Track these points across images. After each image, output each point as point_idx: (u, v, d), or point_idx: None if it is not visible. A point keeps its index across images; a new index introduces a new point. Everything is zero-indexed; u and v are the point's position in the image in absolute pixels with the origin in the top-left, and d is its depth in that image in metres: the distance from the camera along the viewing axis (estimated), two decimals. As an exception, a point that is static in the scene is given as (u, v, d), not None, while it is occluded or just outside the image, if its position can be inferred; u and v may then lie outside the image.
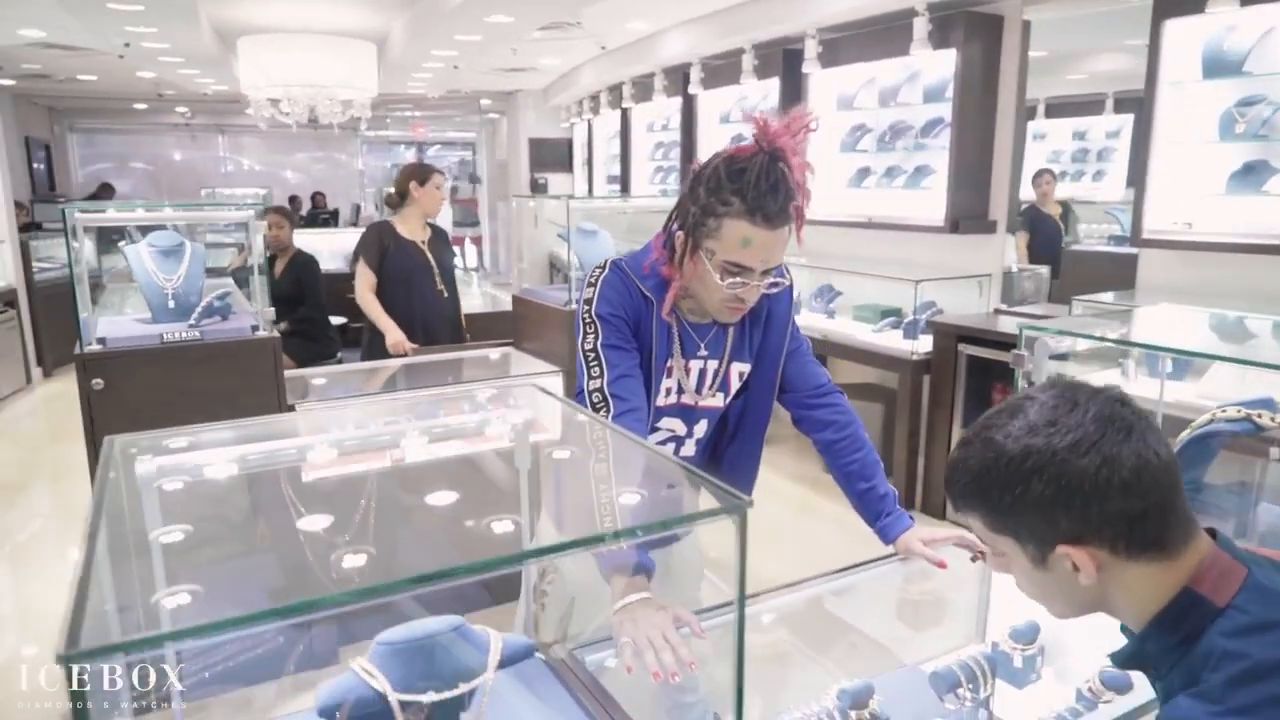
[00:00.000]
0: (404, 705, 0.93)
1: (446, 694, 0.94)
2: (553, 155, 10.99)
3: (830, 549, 3.60)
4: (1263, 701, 0.81)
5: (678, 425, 1.71)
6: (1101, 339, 1.84)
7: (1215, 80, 3.43)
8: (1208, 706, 0.83)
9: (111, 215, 4.18)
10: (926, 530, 1.67)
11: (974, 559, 1.68)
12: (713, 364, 1.67)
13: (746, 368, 1.70)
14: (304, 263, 5.09)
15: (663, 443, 1.71)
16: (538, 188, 10.81)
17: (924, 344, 4.34)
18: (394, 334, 3.71)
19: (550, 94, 10.48)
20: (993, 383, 4.13)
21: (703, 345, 1.66)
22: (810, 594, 1.70)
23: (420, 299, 3.84)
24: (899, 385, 4.49)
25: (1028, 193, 4.86)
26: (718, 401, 1.71)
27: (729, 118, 6.43)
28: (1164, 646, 0.91)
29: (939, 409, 4.27)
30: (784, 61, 5.49)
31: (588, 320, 1.58)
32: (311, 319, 5.00)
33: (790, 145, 1.43)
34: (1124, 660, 0.98)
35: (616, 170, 8.50)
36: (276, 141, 14.79)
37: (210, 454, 1.32)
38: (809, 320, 5.08)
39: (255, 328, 2.95)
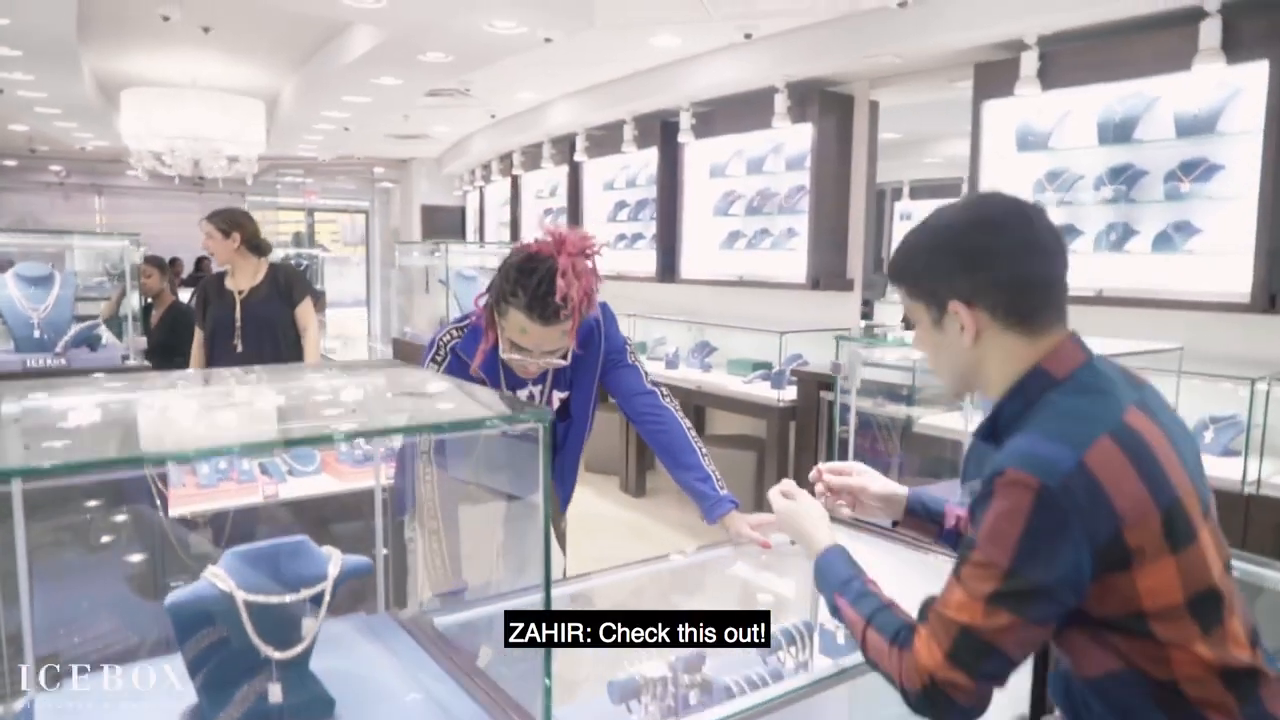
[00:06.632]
0: (249, 605, 1.02)
1: (289, 596, 1.04)
2: (446, 222, 11.15)
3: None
4: (1068, 426, 1.00)
5: None
6: (903, 343, 2.10)
7: (1027, 153, 3.92)
8: (1028, 435, 1.01)
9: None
10: (754, 516, 1.86)
11: (793, 542, 1.86)
12: (535, 389, 2.02)
13: (564, 395, 2.05)
14: (179, 313, 5.02)
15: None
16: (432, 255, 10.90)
17: (790, 393, 4.62)
18: None
19: (444, 162, 10.69)
20: (852, 427, 4.42)
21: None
22: (649, 595, 1.84)
23: (219, 356, 3.44)
24: (767, 432, 4.74)
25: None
26: None
27: (612, 184, 6.76)
28: (1013, 412, 1.09)
29: (804, 453, 4.52)
30: (662, 132, 5.86)
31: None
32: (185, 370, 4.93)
33: (575, 264, 1.73)
34: (983, 430, 1.15)
35: (506, 236, 8.74)
36: (158, 203, 14.36)
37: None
38: (686, 374, 5.31)
39: (125, 358, 2.94)
